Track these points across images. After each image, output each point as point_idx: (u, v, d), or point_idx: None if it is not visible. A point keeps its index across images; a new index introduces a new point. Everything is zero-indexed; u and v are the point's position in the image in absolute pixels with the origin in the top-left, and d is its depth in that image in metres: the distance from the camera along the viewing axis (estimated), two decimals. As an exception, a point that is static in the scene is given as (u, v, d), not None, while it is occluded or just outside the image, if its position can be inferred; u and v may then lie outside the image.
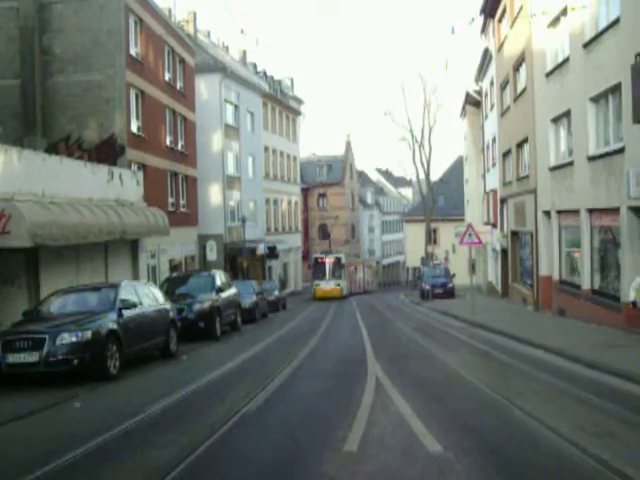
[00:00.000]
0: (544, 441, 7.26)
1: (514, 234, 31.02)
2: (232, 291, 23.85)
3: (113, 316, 13.65)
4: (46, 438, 8.69)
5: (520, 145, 28.64)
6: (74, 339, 12.31)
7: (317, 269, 51.56)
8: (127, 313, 14.18)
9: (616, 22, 16.43)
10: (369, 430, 7.94)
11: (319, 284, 50.55)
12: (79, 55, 26.67)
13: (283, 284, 49.85)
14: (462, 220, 53.83)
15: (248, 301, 28.08)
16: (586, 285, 19.43)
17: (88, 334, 12.52)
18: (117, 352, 13.31)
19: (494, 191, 36.48)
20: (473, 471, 6.28)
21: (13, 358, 12.16)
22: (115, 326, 13.44)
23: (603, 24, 17.51)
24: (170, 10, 44.05)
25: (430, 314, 30.04)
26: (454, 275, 44.20)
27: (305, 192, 70.78)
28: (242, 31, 63.43)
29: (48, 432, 9.14)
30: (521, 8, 26.53)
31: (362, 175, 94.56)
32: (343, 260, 52.27)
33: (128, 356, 13.98)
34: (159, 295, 17.12)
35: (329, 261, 51.16)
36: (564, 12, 20.66)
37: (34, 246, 17.34)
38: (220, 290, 22.13)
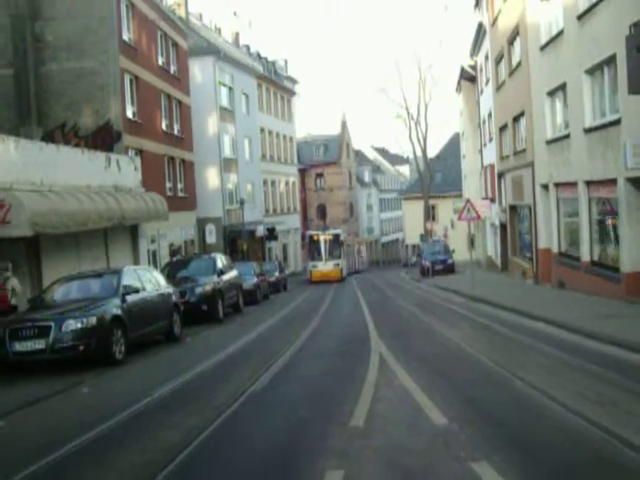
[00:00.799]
0: (547, 411, 7.35)
1: (512, 208, 31.08)
2: (233, 273, 23.95)
3: (117, 302, 13.75)
4: (55, 424, 8.82)
5: (516, 119, 28.62)
6: (79, 325, 12.42)
7: (313, 248, 46.11)
8: (130, 298, 14.28)
9: (609, -7, 16.39)
10: (375, 405, 8.05)
11: (316, 265, 45.24)
12: (72, 42, 26.57)
13: (281, 266, 43.22)
14: (460, 196, 53.82)
15: (249, 283, 28.19)
16: (585, 257, 19.52)
17: (93, 320, 12.63)
18: (122, 337, 13.42)
19: (491, 166, 36.49)
20: (478, 442, 6.36)
21: (20, 346, 12.28)
22: (119, 311, 13.54)
23: (597, -5, 17.47)
24: (161, -7, 43.83)
25: (431, 290, 30.18)
26: (454, 251, 44.25)
27: (302, 172, 70.72)
28: (235, 13, 63.01)
29: (57, 418, 9.26)
30: (514, -19, 26.43)
31: (359, 154, 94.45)
32: (342, 237, 47.92)
33: (133, 341, 14.10)
34: (161, 279, 17.22)
35: (326, 238, 45.83)
36: (557, -16, 20.60)
37: (35, 235, 17.42)
38: (221, 273, 22.24)
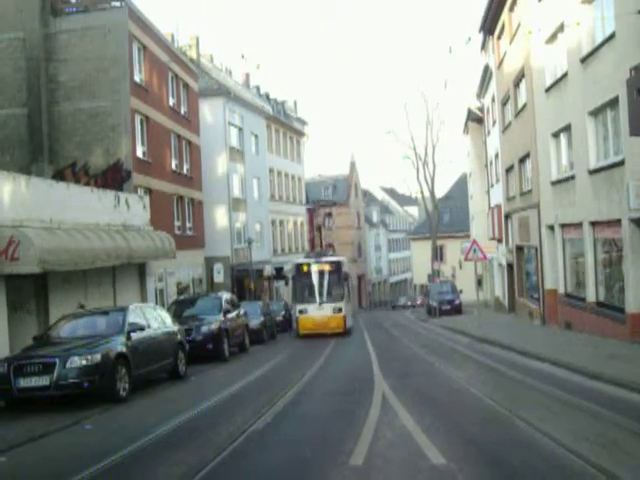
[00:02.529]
0: (547, 452, 7.34)
1: (519, 249, 31.12)
2: (240, 312, 24.00)
3: (122, 339, 13.80)
4: (57, 459, 8.84)
5: (522, 160, 28.82)
6: (84, 362, 12.47)
7: (301, 284, 30.90)
8: (136, 336, 14.33)
9: (612, 37, 16.66)
10: (375, 444, 8.06)
11: (304, 310, 29.82)
12: (84, 83, 27.09)
13: (288, 306, 38.29)
14: (468, 236, 53.90)
15: (256, 322, 28.18)
16: (591, 297, 19.51)
17: (97, 357, 12.68)
18: (126, 374, 13.46)
19: (498, 206, 36.62)
20: (476, 481, 6.39)
21: (24, 382, 12.33)
22: (124, 349, 13.60)
23: (599, 39, 17.74)
24: (173, 36, 44.61)
25: (437, 330, 30.11)
26: (461, 291, 44.19)
27: (311, 212, 71.03)
28: (243, 56, 64.23)
29: (59, 453, 9.28)
30: (519, 25, 26.83)
31: (367, 194, 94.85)
32: (345, 268, 32.37)
33: (137, 378, 14.12)
34: (167, 318, 17.28)
35: (322, 270, 30.67)
36: (561, 28, 20.92)
37: (43, 272, 17.57)
38: (227, 312, 22.29)
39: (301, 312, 29.90)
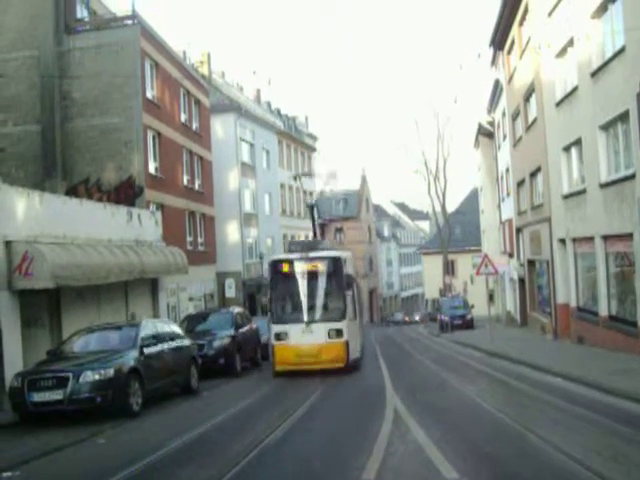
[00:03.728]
0: (559, 466, 7.33)
1: (531, 263, 31.04)
2: (251, 327, 24.02)
3: (135, 354, 13.89)
4: (70, 474, 8.90)
5: (533, 174, 28.81)
6: (97, 377, 12.56)
7: (280, 292, 20.22)
8: (148, 351, 14.42)
9: (622, 51, 16.68)
10: (387, 459, 8.06)
11: (283, 335, 19.24)
12: (97, 99, 27.37)
13: None
14: (479, 250, 53.76)
15: (267, 337, 28.13)
16: (603, 311, 19.44)
17: (110, 372, 12.77)
18: (139, 389, 13.54)
19: (509, 221, 36.57)
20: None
21: (38, 397, 12.43)
22: (137, 363, 13.68)
23: (609, 53, 17.77)
24: (185, 52, 45.02)
25: (449, 345, 30.01)
26: (473, 306, 44.06)
27: (322, 227, 71.12)
28: (254, 72, 64.40)
29: (72, 468, 9.33)
30: (529, 40, 26.89)
31: (378, 208, 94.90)
32: (347, 267, 20.66)
33: (150, 393, 14.18)
34: (179, 332, 17.36)
35: (310, 270, 19.78)
36: (571, 43, 20.98)
37: (56, 287, 17.69)
38: (239, 326, 22.32)
39: (279, 338, 18.84)
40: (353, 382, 17.24)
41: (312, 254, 19.86)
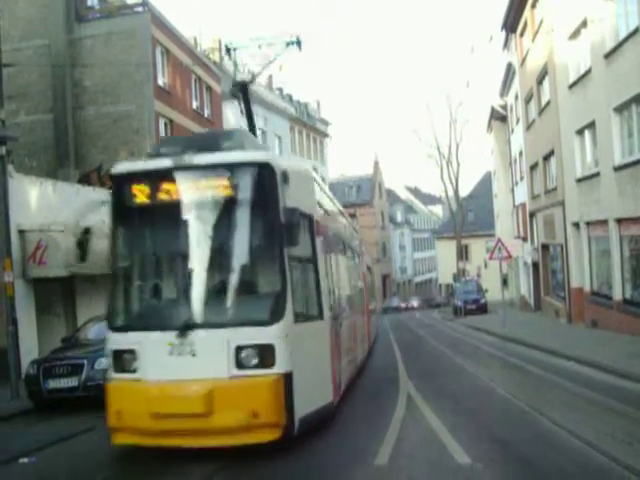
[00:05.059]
0: (574, 450, 7.33)
1: (544, 247, 30.90)
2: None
3: (148, 340, 13.82)
4: (87, 459, 8.94)
5: (546, 158, 28.63)
6: (111, 364, 12.56)
7: (126, 252, 8.75)
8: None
9: (635, 32, 16.53)
10: (399, 444, 8.07)
11: (131, 360, 8.05)
12: (109, 87, 27.36)
13: None
14: (492, 235, 53.59)
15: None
16: (617, 295, 19.34)
17: (124, 358, 12.77)
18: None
19: (523, 205, 36.39)
20: (501, 480, 6.38)
21: (53, 383, 12.54)
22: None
23: (623, 34, 17.60)
24: (196, 39, 44.87)
25: (462, 330, 29.98)
26: (486, 290, 43.93)
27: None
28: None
29: (87, 453, 9.38)
30: (542, 22, 26.66)
31: (391, 194, 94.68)
32: (295, 195, 8.23)
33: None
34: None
35: (194, 194, 8.07)
36: (584, 24, 20.78)
37: (70, 275, 17.79)
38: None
39: (121, 365, 8.33)
40: (365, 366, 17.26)
41: (202, 157, 8.28)
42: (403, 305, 69.76)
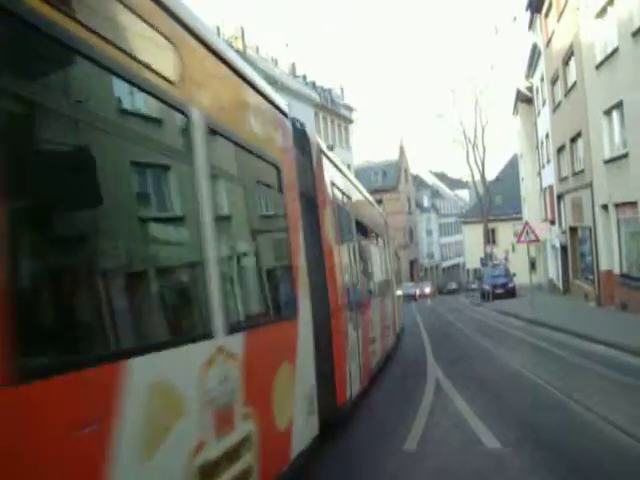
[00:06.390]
0: (605, 435, 7.26)
1: (573, 230, 30.58)
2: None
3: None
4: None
5: (574, 140, 28.27)
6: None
7: None
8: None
9: (664, 9, 16.23)
10: (428, 429, 8.07)
11: None
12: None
13: None
14: (520, 219, 53.20)
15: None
16: (648, 278, 19.11)
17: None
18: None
19: (550, 187, 36.04)
20: (531, 466, 6.34)
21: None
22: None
23: (651, 11, 17.31)
24: (218, 28, 44.90)
25: (490, 314, 29.87)
26: (514, 274, 43.65)
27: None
28: (287, 45, 64.04)
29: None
30: (567, 1, 26.27)
31: (417, 179, 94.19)
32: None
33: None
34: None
35: None
36: (611, 2, 20.44)
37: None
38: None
39: None
40: (394, 352, 17.27)
41: None
42: (417, 292, 59.09)
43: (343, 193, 10.05)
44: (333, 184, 9.04)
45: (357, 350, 9.61)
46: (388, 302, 16.14)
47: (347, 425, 8.42)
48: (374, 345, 12.01)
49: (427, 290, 61.90)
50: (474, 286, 66.67)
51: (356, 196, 12.02)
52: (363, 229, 12.51)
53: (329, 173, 8.84)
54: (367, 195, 14.84)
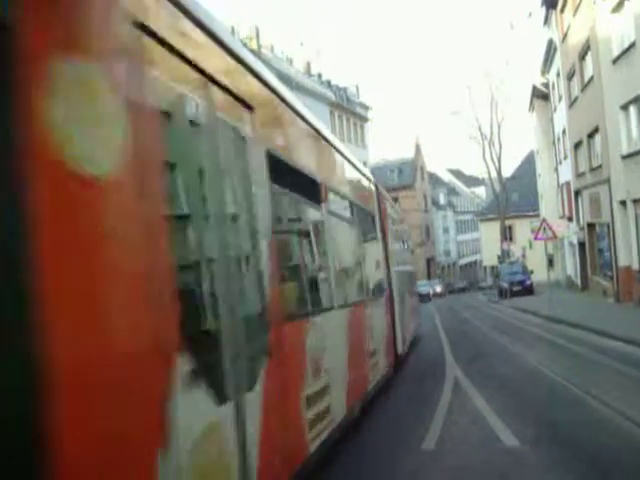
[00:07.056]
0: (623, 431, 7.22)
1: (590, 226, 30.39)
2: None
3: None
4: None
5: (591, 135, 28.10)
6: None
7: None
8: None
9: (681, 3, 16.10)
10: (447, 428, 8.06)
11: None
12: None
13: None
14: (537, 215, 52.89)
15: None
16: (667, 273, 18.96)
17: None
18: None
19: (567, 184, 35.84)
20: (550, 463, 6.32)
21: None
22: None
23: (668, 5, 17.17)
24: (233, 28, 44.99)
25: (508, 312, 29.75)
26: (532, 271, 43.39)
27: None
28: (302, 44, 64.10)
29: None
30: (583, -4, 26.13)
31: (433, 176, 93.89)
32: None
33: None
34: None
35: None
36: (627, -4, 20.32)
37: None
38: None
39: None
40: (411, 348, 17.25)
41: None
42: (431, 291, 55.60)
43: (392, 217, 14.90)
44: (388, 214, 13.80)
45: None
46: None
47: (365, 422, 8.43)
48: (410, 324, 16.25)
49: (438, 289, 60.16)
50: (485, 284, 66.38)
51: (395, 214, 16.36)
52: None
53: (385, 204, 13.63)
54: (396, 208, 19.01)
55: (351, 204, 9.24)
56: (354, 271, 9.04)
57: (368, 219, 11.05)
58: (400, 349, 12.86)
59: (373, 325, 9.77)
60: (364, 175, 11.12)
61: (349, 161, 9.39)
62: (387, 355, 11.16)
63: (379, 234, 11.94)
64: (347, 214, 9.00)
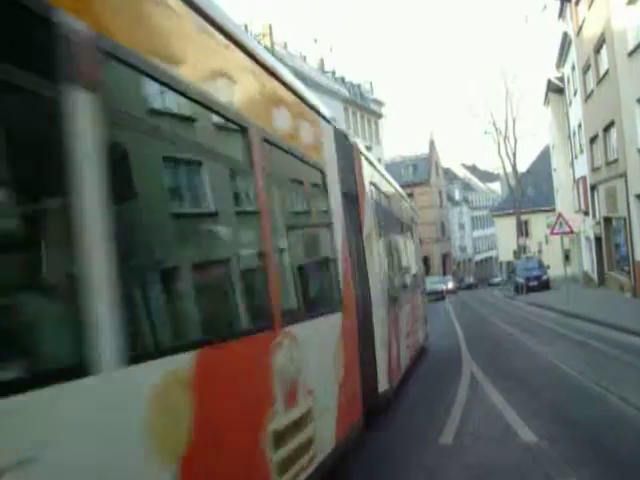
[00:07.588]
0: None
1: (607, 220, 30.20)
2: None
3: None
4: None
5: (607, 129, 27.92)
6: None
7: None
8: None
9: (697, -5, 15.96)
10: (464, 423, 8.06)
11: None
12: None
13: None
14: (553, 210, 52.62)
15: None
16: (685, 268, 18.83)
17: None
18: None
19: (583, 178, 35.61)
20: (568, 459, 6.29)
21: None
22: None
23: (684, -2, 17.03)
24: (246, 25, 45.07)
25: (524, 307, 29.66)
26: (548, 267, 43.18)
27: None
28: (315, 40, 64.17)
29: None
30: (598, -11, 25.96)
31: (448, 172, 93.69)
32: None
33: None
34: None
35: None
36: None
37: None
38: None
39: None
40: (427, 344, 17.24)
41: None
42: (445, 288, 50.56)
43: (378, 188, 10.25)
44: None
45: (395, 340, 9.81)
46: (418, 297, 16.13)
47: (383, 419, 8.43)
48: (409, 338, 12.17)
49: (450, 285, 55.87)
50: (497, 280, 64.99)
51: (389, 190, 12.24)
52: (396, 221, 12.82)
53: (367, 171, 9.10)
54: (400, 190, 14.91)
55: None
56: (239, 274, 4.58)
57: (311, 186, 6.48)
58: (384, 384, 8.64)
59: (299, 366, 5.09)
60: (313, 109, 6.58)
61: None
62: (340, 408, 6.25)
63: (337, 212, 6.88)
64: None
